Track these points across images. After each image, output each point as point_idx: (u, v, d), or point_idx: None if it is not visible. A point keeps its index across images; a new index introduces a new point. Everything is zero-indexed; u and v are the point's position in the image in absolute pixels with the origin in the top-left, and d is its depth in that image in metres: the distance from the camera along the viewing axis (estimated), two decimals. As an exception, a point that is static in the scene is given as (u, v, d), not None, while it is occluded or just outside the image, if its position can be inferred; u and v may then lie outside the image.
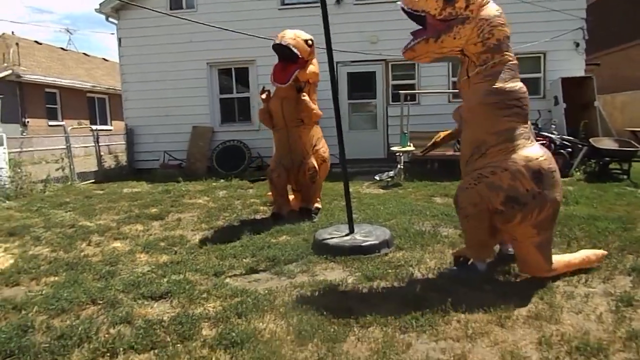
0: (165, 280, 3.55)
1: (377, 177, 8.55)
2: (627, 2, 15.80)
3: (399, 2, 3.08)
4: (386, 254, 4.07)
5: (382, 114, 10.88)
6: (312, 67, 5.46)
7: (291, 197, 6.15)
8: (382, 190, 7.78)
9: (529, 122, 3.11)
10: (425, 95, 10.54)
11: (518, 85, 3.06)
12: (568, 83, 9.44)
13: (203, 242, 4.75)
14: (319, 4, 4.32)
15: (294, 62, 5.17)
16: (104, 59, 27.23)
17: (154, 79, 11.18)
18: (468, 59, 3.12)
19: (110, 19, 11.24)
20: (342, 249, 4.06)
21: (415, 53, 3.15)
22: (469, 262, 3.44)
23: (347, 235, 4.37)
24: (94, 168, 10.84)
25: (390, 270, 3.66)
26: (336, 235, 4.38)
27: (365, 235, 4.33)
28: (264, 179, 7.39)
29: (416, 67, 10.61)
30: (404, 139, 8.63)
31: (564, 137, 8.73)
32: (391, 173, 8.31)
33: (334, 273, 3.71)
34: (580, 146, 8.17)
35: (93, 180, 10.18)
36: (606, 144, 8.14)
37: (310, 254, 4.14)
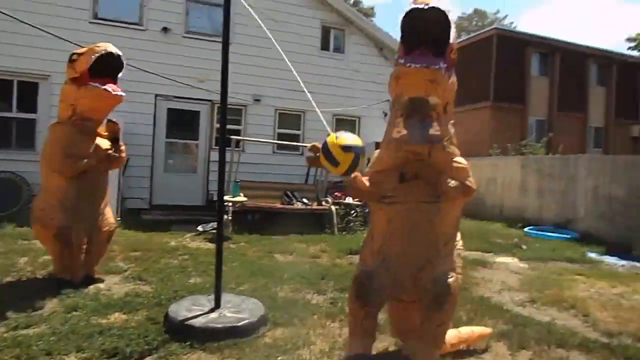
0: None
1: (200, 228, 7.69)
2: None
3: None
4: (264, 334, 3.37)
5: (203, 158, 9.99)
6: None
7: None
8: (210, 244, 6.91)
9: None
10: (249, 143, 10.20)
11: None
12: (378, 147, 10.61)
13: (-16, 329, 3.15)
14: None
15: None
16: None
17: None
18: None
19: None
20: (214, 332, 3.17)
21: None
22: None
23: (212, 311, 3.49)
24: None
25: (280, 359, 2.99)
26: (198, 311, 3.45)
27: (236, 310, 3.52)
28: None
29: (243, 113, 10.25)
30: (235, 187, 8.02)
31: None
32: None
33: (211, 369, 2.82)
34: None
35: None
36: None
37: (167, 341, 3.11)
